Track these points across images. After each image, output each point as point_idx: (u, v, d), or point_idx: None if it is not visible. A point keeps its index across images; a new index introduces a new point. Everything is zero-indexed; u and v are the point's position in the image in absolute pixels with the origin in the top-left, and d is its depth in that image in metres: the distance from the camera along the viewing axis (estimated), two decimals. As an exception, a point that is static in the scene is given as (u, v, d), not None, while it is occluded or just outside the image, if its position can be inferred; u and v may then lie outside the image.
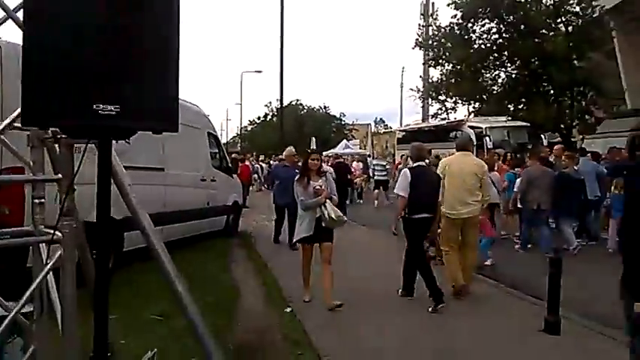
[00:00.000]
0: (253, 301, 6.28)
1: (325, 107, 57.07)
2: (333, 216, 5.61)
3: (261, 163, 28.81)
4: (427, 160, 6.92)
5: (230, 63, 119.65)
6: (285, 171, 8.99)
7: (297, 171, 8.70)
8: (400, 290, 6.41)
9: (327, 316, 5.52)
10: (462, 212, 6.23)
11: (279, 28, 19.60)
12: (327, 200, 5.70)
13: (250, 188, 18.75)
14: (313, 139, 34.90)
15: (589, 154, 11.64)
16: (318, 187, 5.78)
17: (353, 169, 14.82)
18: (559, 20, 24.18)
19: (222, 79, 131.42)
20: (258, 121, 60.92)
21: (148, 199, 7.52)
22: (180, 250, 8.58)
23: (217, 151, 10.26)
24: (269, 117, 57.29)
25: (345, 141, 39.33)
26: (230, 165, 10.99)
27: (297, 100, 57.67)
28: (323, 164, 13.80)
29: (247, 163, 20.07)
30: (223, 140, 68.41)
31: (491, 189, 9.52)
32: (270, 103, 56.85)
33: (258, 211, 15.27)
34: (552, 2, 23.92)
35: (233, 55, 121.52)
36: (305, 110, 57.13)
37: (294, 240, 6.18)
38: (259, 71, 45.59)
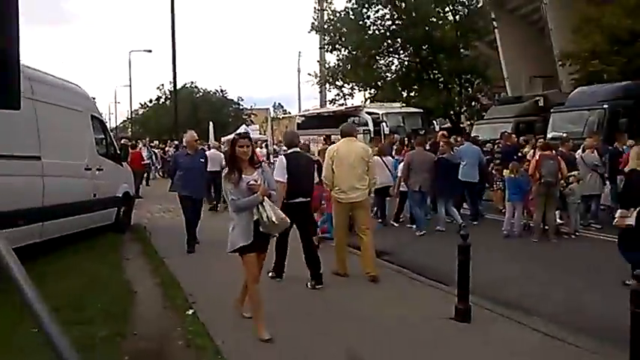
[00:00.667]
0: (150, 304, 5.66)
1: (222, 91, 55.69)
2: (274, 218, 4.47)
3: (154, 149, 27.16)
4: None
5: (117, 41, 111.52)
6: (189, 160, 8.18)
7: (202, 160, 8.34)
8: (270, 272, 6.35)
9: (235, 317, 5.11)
10: (352, 196, 6.46)
11: (170, 5, 18.29)
12: (266, 198, 4.52)
13: (145, 176, 17.54)
14: (211, 123, 33.66)
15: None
16: (252, 182, 4.54)
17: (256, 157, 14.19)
18: (447, 9, 25.41)
19: (109, 58, 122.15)
20: (150, 105, 57.86)
21: (23, 192, 6.61)
22: (64, 248, 7.72)
23: (104, 136, 9.27)
24: (162, 100, 54.60)
25: (244, 126, 38.50)
26: (119, 152, 10.02)
27: (192, 83, 55.60)
28: (257, 151, 13.08)
29: (140, 149, 18.72)
30: (112, 125, 64.59)
31: (384, 172, 9.83)
32: (163, 85, 54.14)
33: (154, 202, 14.32)
34: (442, -9, 25.00)
35: (120, 33, 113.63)
36: (201, 94, 55.26)
37: (228, 250, 4.64)
38: (149, 50, 42.72)
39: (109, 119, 67.22)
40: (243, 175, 4.54)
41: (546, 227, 9.03)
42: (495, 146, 11.88)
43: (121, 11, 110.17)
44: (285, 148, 7.14)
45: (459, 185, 10.39)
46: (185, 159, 8.27)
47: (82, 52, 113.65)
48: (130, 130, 55.02)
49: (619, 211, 5.82)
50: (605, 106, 13.23)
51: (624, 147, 10.10)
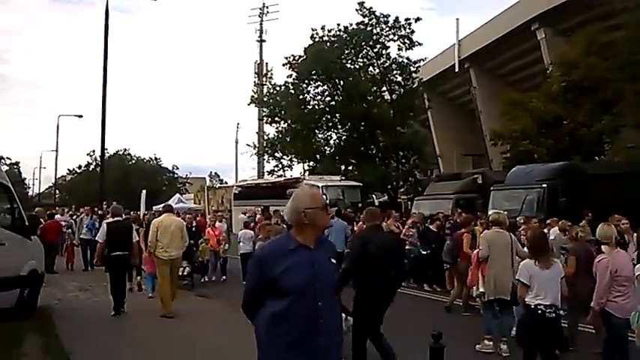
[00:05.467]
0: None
1: (156, 159, 54.34)
2: None
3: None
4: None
5: (47, 104, 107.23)
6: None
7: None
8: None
9: None
10: (172, 254, 8.69)
11: (102, 70, 17.58)
12: None
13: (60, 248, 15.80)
14: (144, 191, 32.17)
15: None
16: None
17: (208, 231, 12.65)
18: (384, 88, 26.34)
19: (37, 121, 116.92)
20: (79, 171, 55.21)
21: None
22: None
23: (9, 205, 8.12)
24: (92, 166, 52.27)
25: (178, 195, 37.12)
26: (29, 223, 8.78)
27: (125, 150, 54.03)
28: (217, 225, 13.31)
29: (59, 217, 17.05)
30: (36, 190, 60.77)
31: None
32: (94, 151, 51.90)
33: (70, 278, 12.82)
34: (379, 70, 26.01)
35: (50, 96, 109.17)
36: (134, 161, 53.61)
37: None
38: (79, 115, 40.78)
39: (33, 185, 63.87)
40: None
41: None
42: (446, 222, 11.62)
43: (53, 74, 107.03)
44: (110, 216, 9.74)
45: None
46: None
47: (7, 113, 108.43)
48: (57, 196, 51.89)
49: None
50: (544, 185, 13.53)
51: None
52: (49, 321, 8.26)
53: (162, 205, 32.38)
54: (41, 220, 13.48)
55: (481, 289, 6.49)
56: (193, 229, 12.38)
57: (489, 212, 13.35)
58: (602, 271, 5.15)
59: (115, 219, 9.11)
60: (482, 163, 28.17)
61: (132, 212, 15.86)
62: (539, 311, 4.64)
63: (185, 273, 10.89)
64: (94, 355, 6.54)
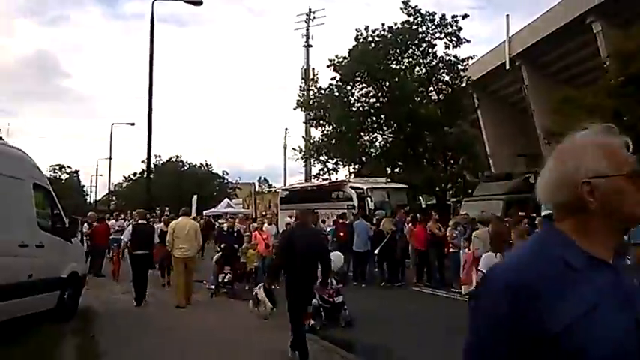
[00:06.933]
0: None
1: (207, 165, 55.52)
2: None
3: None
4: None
5: (102, 114, 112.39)
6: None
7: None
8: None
9: None
10: (186, 253, 9.73)
11: (148, 78, 18.00)
12: None
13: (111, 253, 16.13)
14: (195, 197, 33.01)
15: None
16: None
17: (255, 235, 12.69)
18: (431, 88, 25.67)
19: (94, 131, 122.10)
20: (134, 178, 57.17)
21: None
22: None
23: (50, 208, 8.30)
24: (146, 173, 54.00)
25: (227, 200, 37.78)
26: (69, 225, 8.94)
27: (178, 157, 55.51)
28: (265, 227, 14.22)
29: (112, 223, 17.56)
30: (93, 198, 63.38)
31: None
32: (151, 160, 53.74)
33: (115, 282, 13.08)
34: (425, 70, 25.38)
35: (105, 106, 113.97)
36: (186, 167, 54.98)
37: None
38: (132, 123, 42.10)
39: (90, 192, 66.62)
40: None
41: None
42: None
43: (110, 85, 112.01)
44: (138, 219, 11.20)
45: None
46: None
47: (67, 125, 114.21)
48: (113, 203, 53.95)
49: None
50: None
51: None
52: (89, 323, 8.38)
53: (211, 210, 33.21)
54: (88, 223, 13.91)
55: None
56: (235, 234, 12.31)
57: (542, 213, 12.67)
58: None
59: (140, 222, 10.42)
60: (536, 164, 26.87)
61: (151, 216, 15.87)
62: None
63: (225, 280, 10.76)
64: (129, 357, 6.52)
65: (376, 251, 12.44)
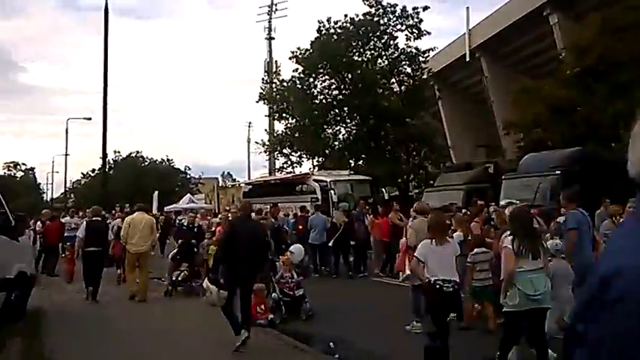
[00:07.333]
0: None
1: (169, 160, 54.38)
2: None
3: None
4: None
5: (62, 111, 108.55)
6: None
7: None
8: None
9: None
10: (140, 248, 9.64)
11: (103, 73, 17.39)
12: None
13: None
14: (156, 192, 32.34)
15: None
16: None
17: (219, 230, 12.37)
18: (393, 80, 25.79)
19: (54, 128, 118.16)
20: (92, 174, 55.52)
21: None
22: None
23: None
24: (106, 169, 52.53)
25: (189, 195, 37.03)
26: (15, 224, 8.49)
27: (138, 152, 54.24)
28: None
29: (67, 220, 16.87)
30: (49, 196, 61.21)
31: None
32: (106, 155, 52.32)
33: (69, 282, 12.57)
34: (387, 62, 25.46)
35: (68, 103, 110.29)
36: (147, 163, 53.77)
37: None
38: (88, 118, 40.59)
39: (47, 189, 64.38)
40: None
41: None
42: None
43: (63, 79, 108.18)
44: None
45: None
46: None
47: (22, 121, 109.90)
48: (71, 200, 52.28)
49: None
50: (557, 172, 12.91)
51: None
52: (37, 324, 8.00)
53: (173, 205, 32.53)
54: (42, 222, 13.32)
55: (408, 272, 6.89)
56: (195, 229, 12.01)
57: (501, 202, 12.86)
58: None
59: (94, 218, 10.34)
60: (496, 154, 27.41)
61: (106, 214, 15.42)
62: (437, 285, 4.97)
63: (180, 278, 10.30)
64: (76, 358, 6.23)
65: (330, 243, 12.37)
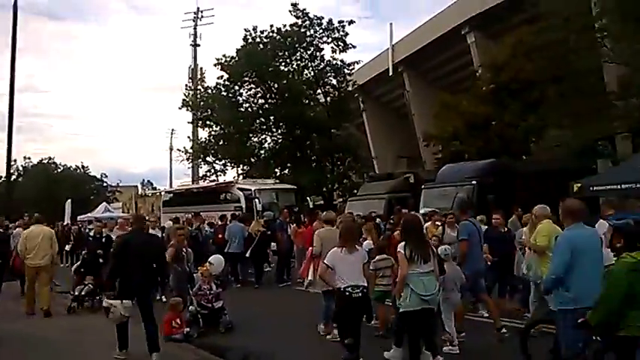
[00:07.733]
0: None
1: (84, 167, 51.46)
2: None
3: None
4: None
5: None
6: None
7: None
8: None
9: None
10: (39, 262, 9.07)
11: (10, 76, 16.22)
12: None
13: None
14: (68, 201, 30.43)
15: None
16: None
17: None
18: (319, 91, 26.03)
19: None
20: (-1, 181, 51.45)
21: None
22: None
23: None
24: (13, 177, 48.81)
25: (104, 204, 35.12)
26: None
27: (50, 159, 50.98)
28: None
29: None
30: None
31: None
32: (15, 161, 48.66)
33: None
34: (313, 73, 25.67)
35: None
36: (59, 170, 50.59)
37: None
38: (-7, 121, 37.94)
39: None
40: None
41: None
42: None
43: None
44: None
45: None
46: None
47: None
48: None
49: None
50: (473, 182, 13.53)
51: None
52: None
53: (87, 215, 30.73)
54: None
55: (310, 278, 7.15)
56: (103, 239, 11.29)
57: (421, 210, 13.22)
58: None
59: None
60: (416, 165, 28.39)
61: (10, 223, 14.40)
62: (347, 293, 5.20)
63: (83, 292, 9.48)
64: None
65: (247, 254, 12.11)
